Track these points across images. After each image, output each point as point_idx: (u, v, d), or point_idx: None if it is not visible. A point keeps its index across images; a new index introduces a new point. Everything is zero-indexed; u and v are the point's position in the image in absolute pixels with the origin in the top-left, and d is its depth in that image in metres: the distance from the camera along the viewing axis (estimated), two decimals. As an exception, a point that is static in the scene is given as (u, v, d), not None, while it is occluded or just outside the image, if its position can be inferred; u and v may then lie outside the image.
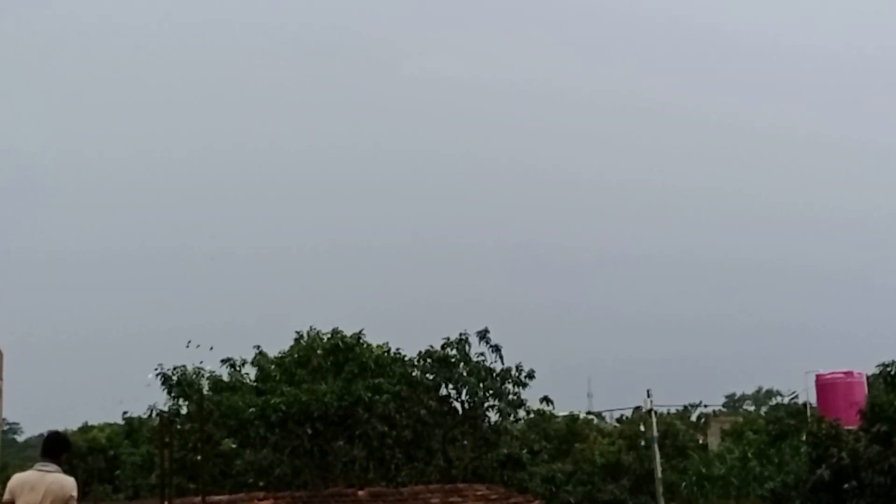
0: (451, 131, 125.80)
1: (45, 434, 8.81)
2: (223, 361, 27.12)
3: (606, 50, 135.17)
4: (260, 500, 19.29)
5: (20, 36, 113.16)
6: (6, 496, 8.28)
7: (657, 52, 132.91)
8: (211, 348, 26.74)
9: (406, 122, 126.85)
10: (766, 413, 49.04)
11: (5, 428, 53.95)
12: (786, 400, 47.75)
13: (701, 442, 46.30)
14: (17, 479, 8.33)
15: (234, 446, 25.12)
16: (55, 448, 8.42)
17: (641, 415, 41.06)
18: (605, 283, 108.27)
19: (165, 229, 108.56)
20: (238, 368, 27.27)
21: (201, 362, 26.41)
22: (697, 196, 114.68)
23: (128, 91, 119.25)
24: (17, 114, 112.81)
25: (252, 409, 24.83)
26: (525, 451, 28.40)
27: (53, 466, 8.25)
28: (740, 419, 49.23)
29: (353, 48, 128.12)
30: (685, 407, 52.61)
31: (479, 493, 20.60)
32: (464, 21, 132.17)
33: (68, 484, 8.24)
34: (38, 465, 8.33)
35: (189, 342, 25.77)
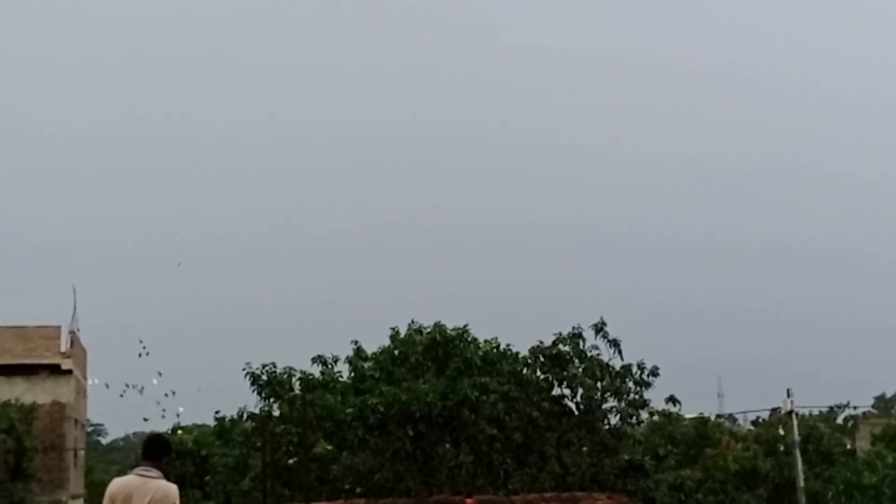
0: (557, 106, 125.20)
1: (146, 435, 8.94)
2: (314, 360, 27.50)
3: (720, 20, 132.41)
4: (360, 508, 19.66)
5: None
6: (105, 501, 8.38)
7: (775, 22, 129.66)
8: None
9: (506, 96, 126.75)
10: (923, 415, 47.47)
11: (89, 429, 56.17)
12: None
13: (848, 447, 45.17)
14: (116, 484, 8.40)
15: (329, 448, 25.60)
16: (157, 450, 8.49)
17: (780, 417, 40.23)
18: (738, 274, 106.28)
19: (256, 211, 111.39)
20: (330, 366, 27.64)
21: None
22: (851, 185, 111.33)
23: (230, 68, 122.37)
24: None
25: (349, 410, 25.20)
26: (649, 456, 28.15)
27: (155, 472, 8.27)
28: (893, 422, 47.81)
29: (452, 16, 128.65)
30: (830, 408, 51.40)
31: (600, 502, 20.52)
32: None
33: (172, 492, 8.25)
34: (138, 470, 8.32)
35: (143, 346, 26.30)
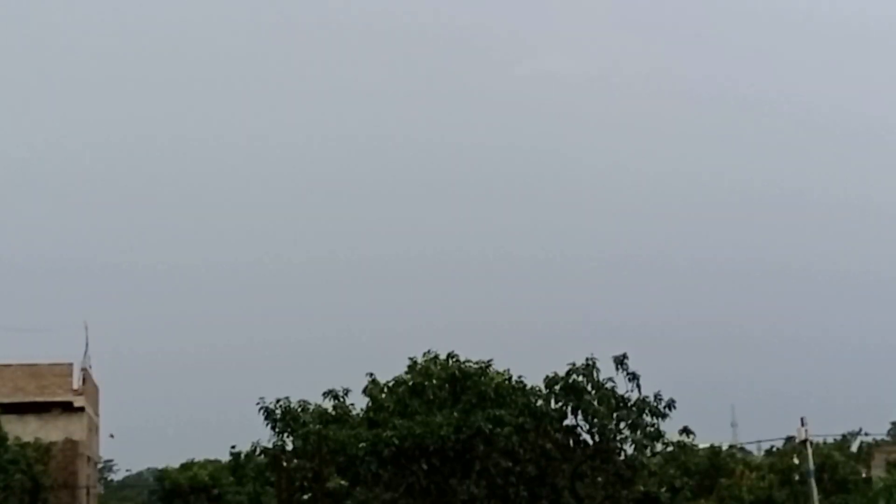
0: (571, 133, 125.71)
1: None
2: (325, 394, 27.36)
3: (732, 42, 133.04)
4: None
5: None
6: None
7: (799, 48, 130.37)
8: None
9: (518, 122, 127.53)
10: (939, 442, 47.20)
11: (100, 466, 55.96)
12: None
13: (864, 475, 44.87)
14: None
15: (342, 483, 25.46)
16: None
17: (795, 446, 40.07)
18: (751, 300, 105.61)
19: (266, 240, 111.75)
20: (342, 399, 27.47)
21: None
22: (867, 208, 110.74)
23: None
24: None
25: (363, 444, 25.11)
26: (664, 488, 27.96)
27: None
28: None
29: (470, 44, 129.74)
30: (844, 436, 51.18)
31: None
32: (583, 17, 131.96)
33: None
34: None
35: None
